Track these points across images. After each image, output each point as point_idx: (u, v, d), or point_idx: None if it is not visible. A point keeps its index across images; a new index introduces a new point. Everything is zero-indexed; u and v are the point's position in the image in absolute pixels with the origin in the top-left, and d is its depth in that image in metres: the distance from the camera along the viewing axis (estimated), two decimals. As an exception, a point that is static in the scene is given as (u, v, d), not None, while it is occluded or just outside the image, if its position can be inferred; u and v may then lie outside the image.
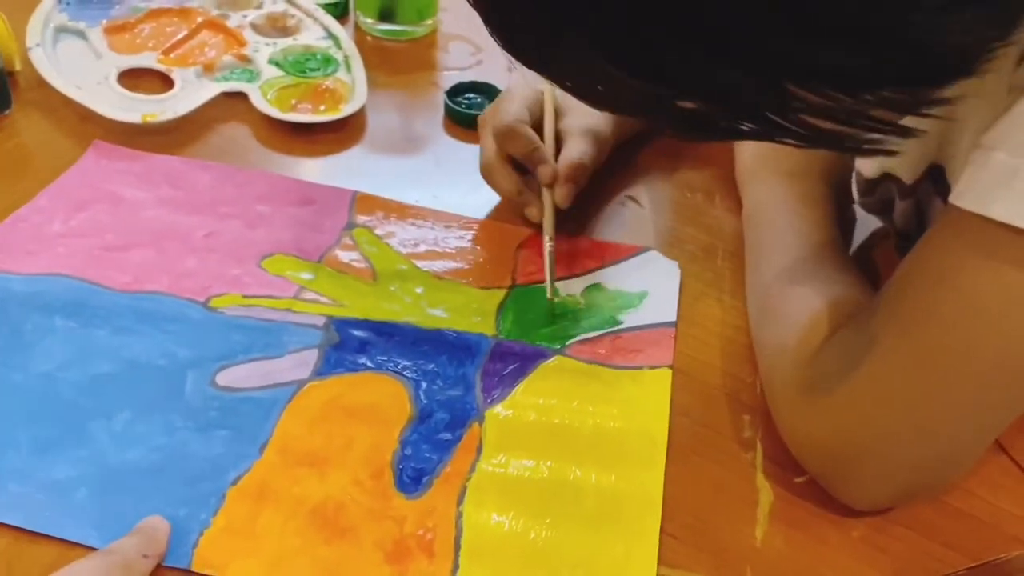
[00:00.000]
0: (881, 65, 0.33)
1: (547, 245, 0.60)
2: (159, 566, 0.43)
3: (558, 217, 0.61)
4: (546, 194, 0.62)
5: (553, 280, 0.58)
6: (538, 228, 0.63)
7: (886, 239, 0.62)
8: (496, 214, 0.66)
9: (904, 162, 0.52)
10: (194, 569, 0.44)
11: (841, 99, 0.34)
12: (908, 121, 0.38)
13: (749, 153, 0.66)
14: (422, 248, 0.62)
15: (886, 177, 0.54)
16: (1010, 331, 0.40)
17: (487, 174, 0.64)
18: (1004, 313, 0.40)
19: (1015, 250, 0.39)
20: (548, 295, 0.58)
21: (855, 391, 0.45)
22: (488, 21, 0.36)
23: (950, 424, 0.44)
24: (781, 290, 0.54)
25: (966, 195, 0.40)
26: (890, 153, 0.38)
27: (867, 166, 0.55)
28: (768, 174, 0.63)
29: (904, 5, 0.31)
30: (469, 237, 0.64)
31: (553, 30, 0.34)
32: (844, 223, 0.60)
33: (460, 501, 0.47)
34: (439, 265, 0.61)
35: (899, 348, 0.43)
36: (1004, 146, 0.38)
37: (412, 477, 0.48)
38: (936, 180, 0.49)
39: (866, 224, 0.63)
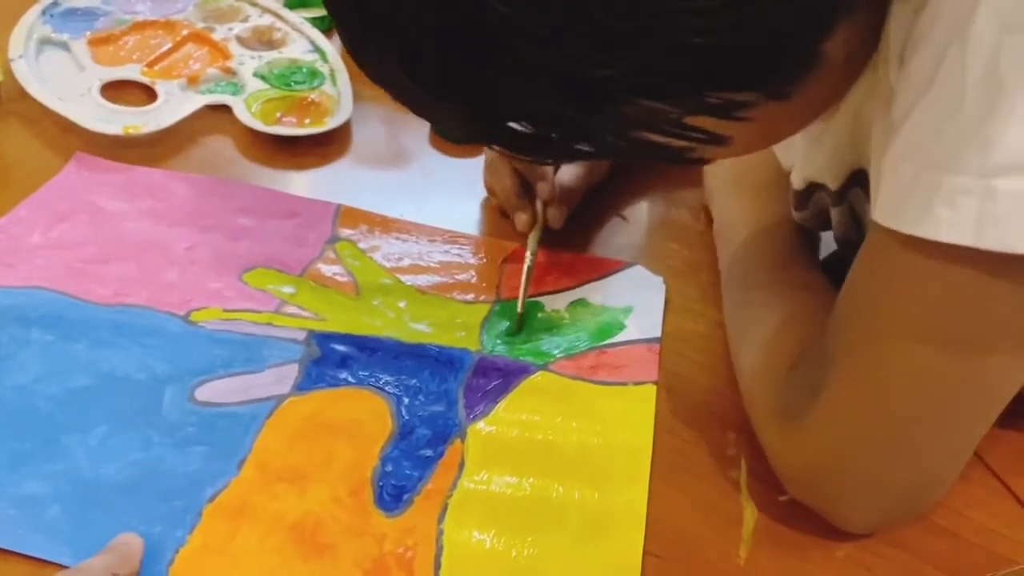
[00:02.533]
0: (688, 71, 0.34)
1: (528, 259, 0.60)
2: (132, 585, 0.42)
3: (543, 235, 0.62)
4: (540, 209, 0.63)
5: (526, 294, 0.58)
6: (523, 240, 0.63)
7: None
8: (481, 228, 0.65)
9: (825, 168, 0.51)
10: (168, 588, 0.43)
11: (659, 108, 0.35)
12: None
13: (715, 169, 0.65)
14: (406, 262, 0.62)
15: (815, 187, 0.53)
16: (936, 343, 0.40)
17: (489, 170, 0.65)
18: (926, 326, 0.39)
19: (920, 261, 0.38)
20: (519, 308, 0.58)
21: (820, 416, 0.44)
22: (344, 44, 0.38)
23: (912, 441, 0.43)
24: (753, 311, 0.54)
25: (882, 210, 0.39)
26: (705, 162, 0.39)
27: (793, 178, 0.55)
28: (735, 189, 0.63)
29: (676, 7, 0.32)
30: (454, 251, 0.63)
31: (376, 56, 0.36)
32: (813, 235, 0.59)
33: (441, 519, 0.47)
34: (423, 279, 0.61)
35: (849, 372, 0.43)
36: (909, 156, 0.37)
37: (392, 494, 0.48)
38: (864, 184, 0.48)
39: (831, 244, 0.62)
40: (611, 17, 0.32)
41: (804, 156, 0.53)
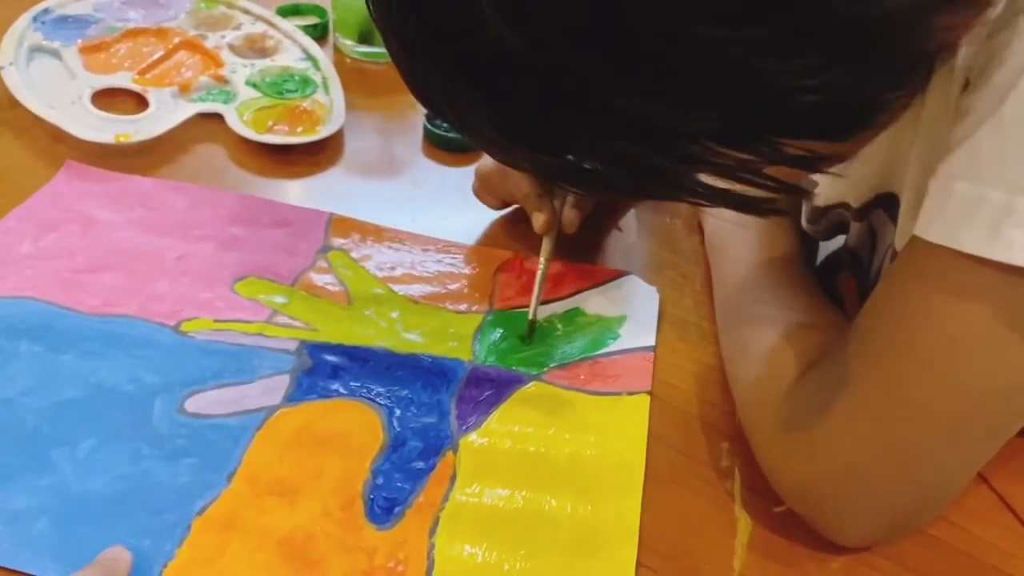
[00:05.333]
0: (775, 125, 0.34)
1: (542, 264, 0.59)
2: (120, 599, 0.42)
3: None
4: (560, 211, 0.61)
5: (539, 300, 0.58)
6: (517, 248, 0.63)
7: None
8: (475, 237, 0.65)
9: (851, 189, 0.51)
10: (156, 603, 0.42)
11: (738, 157, 0.35)
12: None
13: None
14: (399, 272, 0.61)
15: (833, 205, 0.54)
16: (981, 363, 0.39)
17: (505, 173, 0.62)
18: (974, 345, 0.39)
19: (982, 281, 0.38)
20: (531, 316, 0.57)
21: (831, 429, 0.44)
22: (407, 82, 0.38)
23: (928, 460, 0.43)
24: (750, 322, 0.53)
25: (930, 227, 0.39)
26: (780, 213, 0.39)
27: (819, 195, 0.55)
28: None
29: (778, 68, 0.32)
30: (447, 261, 0.63)
31: (448, 97, 0.36)
32: (806, 244, 0.59)
33: (432, 532, 0.46)
34: (416, 289, 0.60)
35: (872, 384, 0.42)
36: (965, 175, 0.37)
37: (383, 507, 0.47)
38: (889, 207, 0.48)
39: (825, 246, 0.62)
40: (702, 72, 0.32)
41: (830, 180, 0.53)
